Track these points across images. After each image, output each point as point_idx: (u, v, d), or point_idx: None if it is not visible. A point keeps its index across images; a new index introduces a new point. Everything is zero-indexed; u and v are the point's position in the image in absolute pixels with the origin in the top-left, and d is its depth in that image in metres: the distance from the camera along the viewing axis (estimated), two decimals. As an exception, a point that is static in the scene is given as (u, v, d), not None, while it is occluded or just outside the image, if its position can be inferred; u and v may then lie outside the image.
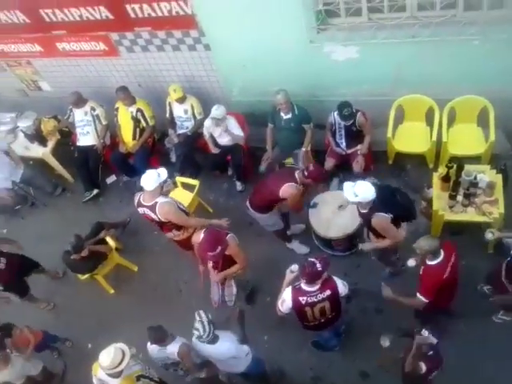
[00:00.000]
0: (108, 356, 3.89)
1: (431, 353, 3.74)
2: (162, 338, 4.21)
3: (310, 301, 4.02)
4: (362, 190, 4.13)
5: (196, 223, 5.09)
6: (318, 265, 3.91)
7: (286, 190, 4.79)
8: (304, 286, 4.02)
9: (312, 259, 3.97)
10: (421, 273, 4.13)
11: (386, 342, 4.34)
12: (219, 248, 4.33)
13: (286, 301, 4.10)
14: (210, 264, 4.77)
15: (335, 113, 5.48)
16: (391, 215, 4.22)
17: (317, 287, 4.00)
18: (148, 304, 5.79)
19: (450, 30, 4.92)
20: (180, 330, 5.27)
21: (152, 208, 4.87)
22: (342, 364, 5.00)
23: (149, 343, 4.33)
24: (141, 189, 4.97)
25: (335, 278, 4.13)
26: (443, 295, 4.13)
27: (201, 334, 3.96)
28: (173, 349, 4.23)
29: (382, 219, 4.22)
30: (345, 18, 5.23)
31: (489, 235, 4.44)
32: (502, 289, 4.31)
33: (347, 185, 4.24)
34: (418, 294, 4.08)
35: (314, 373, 5.02)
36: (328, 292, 4.04)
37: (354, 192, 4.14)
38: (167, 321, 5.47)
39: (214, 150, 6.19)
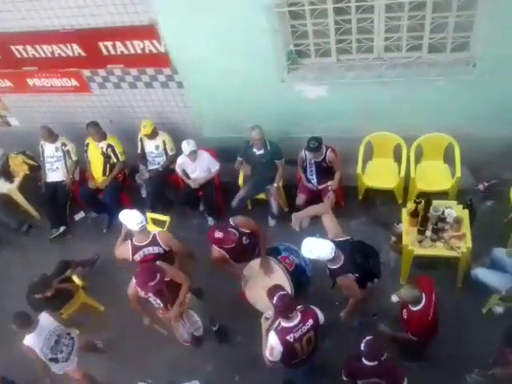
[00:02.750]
0: None
1: None
2: (28, 321, 4.55)
3: (297, 336, 3.94)
4: (317, 249, 4.09)
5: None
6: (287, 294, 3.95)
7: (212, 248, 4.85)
8: (285, 324, 3.93)
9: (280, 293, 3.93)
10: (405, 317, 4.26)
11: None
12: (158, 275, 4.27)
13: (275, 347, 3.94)
14: (159, 305, 4.66)
15: (305, 150, 5.56)
16: (357, 275, 4.24)
17: (298, 319, 3.94)
18: (115, 345, 5.57)
19: (415, 71, 5.13)
20: (147, 374, 5.11)
21: (153, 242, 4.81)
22: (315, 404, 4.87)
23: (27, 337, 4.54)
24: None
25: (312, 306, 4.11)
26: (429, 331, 4.34)
27: None
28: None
29: (347, 279, 4.22)
30: (315, 58, 5.41)
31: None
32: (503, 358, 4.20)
33: (306, 241, 4.17)
34: (409, 334, 4.24)
35: (286, 414, 4.87)
36: (310, 321, 3.99)
37: (310, 249, 4.11)
38: (133, 365, 5.34)
39: (195, 185, 6.10)
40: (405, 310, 4.29)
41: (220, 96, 5.81)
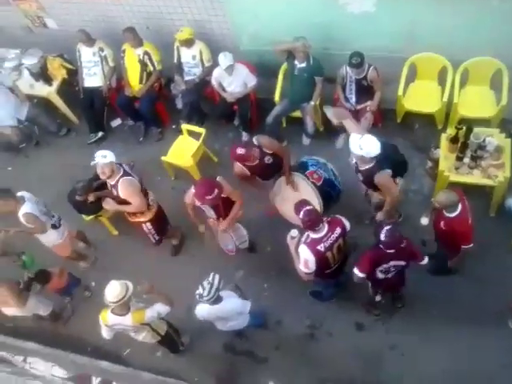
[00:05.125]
0: (113, 288, 3.97)
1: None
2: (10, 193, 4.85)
3: (327, 245, 4.07)
4: (367, 144, 4.13)
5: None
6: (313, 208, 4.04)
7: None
8: (314, 235, 4.05)
9: (306, 208, 4.02)
10: (445, 228, 4.15)
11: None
12: (216, 190, 4.37)
13: (308, 259, 4.05)
14: (213, 216, 4.80)
15: (347, 66, 5.40)
16: (390, 170, 4.29)
17: (325, 230, 4.06)
18: (151, 248, 5.80)
19: (470, -13, 4.80)
20: (181, 275, 5.41)
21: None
22: (338, 314, 5.12)
23: (22, 207, 4.82)
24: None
25: (337, 216, 4.24)
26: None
27: (202, 294, 3.96)
28: None
29: (385, 176, 4.27)
30: (365, -34, 5.09)
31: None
32: None
33: (354, 136, 4.23)
34: (463, 247, 4.15)
35: (310, 321, 5.15)
36: (338, 230, 4.13)
37: (359, 144, 4.15)
38: (169, 265, 5.65)
39: (230, 98, 6.05)
40: (443, 222, 4.15)
41: (261, 5, 5.58)
